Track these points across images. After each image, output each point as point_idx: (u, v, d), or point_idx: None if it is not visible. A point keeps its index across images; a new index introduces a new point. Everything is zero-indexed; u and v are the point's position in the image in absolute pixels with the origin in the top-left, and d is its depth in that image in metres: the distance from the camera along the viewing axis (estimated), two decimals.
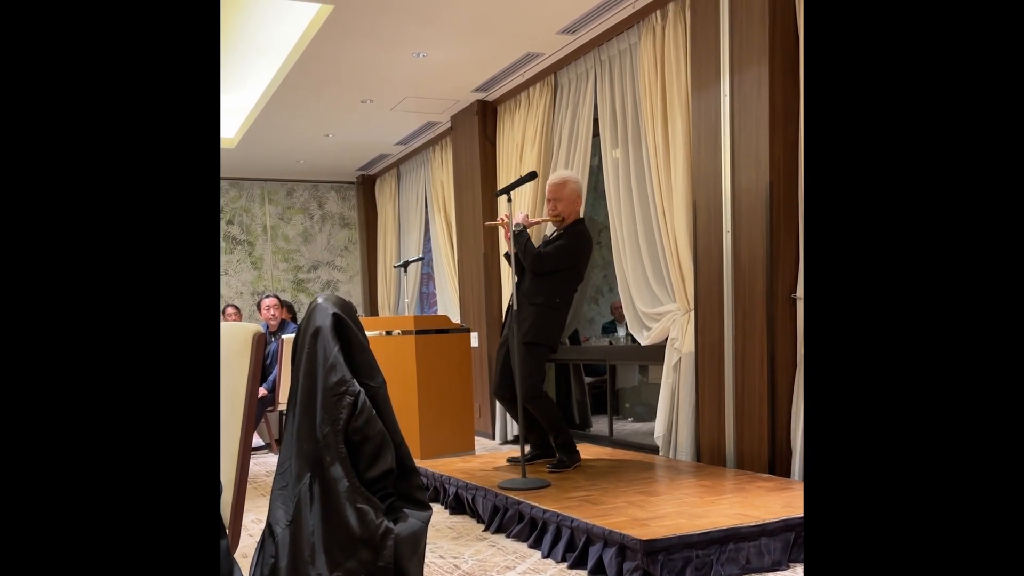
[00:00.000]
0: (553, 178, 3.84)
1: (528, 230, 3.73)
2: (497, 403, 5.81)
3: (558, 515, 2.87)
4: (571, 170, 4.37)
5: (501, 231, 3.82)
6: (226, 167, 7.76)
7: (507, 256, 3.90)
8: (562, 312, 3.80)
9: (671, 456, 4.15)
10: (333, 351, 1.67)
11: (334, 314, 1.71)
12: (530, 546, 3.01)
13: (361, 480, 1.67)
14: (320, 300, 1.75)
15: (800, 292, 3.45)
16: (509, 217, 3.70)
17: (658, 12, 4.15)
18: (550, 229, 4.03)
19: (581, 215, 3.91)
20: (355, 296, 8.87)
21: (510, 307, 3.77)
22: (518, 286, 3.71)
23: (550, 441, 4.01)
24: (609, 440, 5.10)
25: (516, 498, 3.17)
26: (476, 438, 5.38)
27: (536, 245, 3.77)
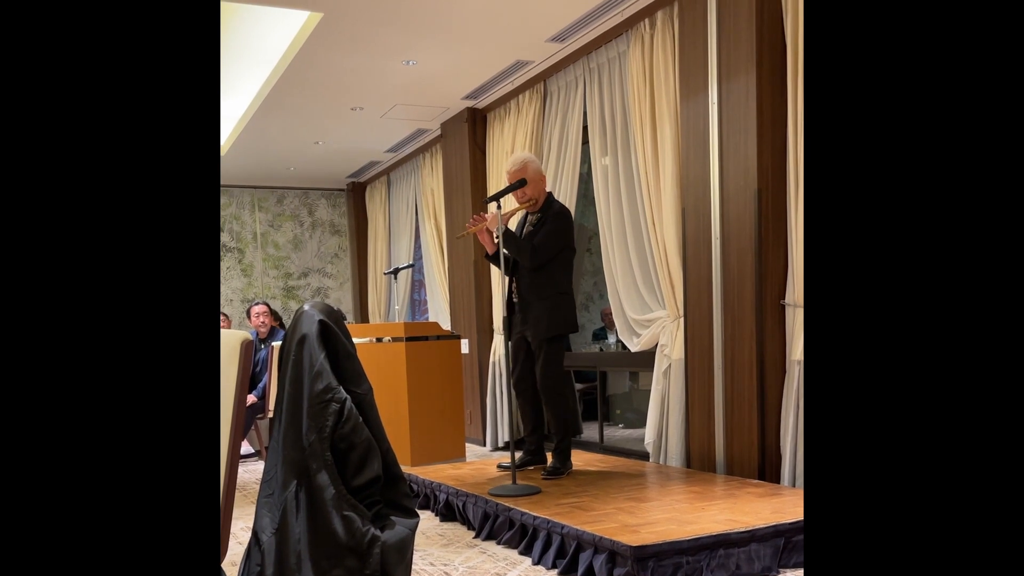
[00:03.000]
0: (511, 165, 3.74)
1: (508, 226, 3.64)
2: (490, 405, 5.81)
3: (548, 521, 2.86)
4: (529, 152, 4.19)
5: (479, 234, 3.75)
6: None
7: (488, 258, 3.85)
8: (570, 294, 3.76)
9: (661, 462, 4.15)
10: (319, 358, 1.67)
11: (320, 321, 1.71)
12: (520, 553, 3.00)
13: (348, 488, 1.67)
14: (306, 307, 1.75)
15: (789, 299, 3.46)
16: (479, 220, 3.66)
17: (647, 20, 4.17)
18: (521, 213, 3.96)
19: (547, 189, 3.85)
20: (345, 303, 8.85)
21: (513, 303, 3.75)
22: (518, 283, 3.69)
23: (543, 447, 4.01)
24: (600, 446, 5.10)
25: (507, 505, 3.16)
26: (467, 445, 5.37)
27: (520, 237, 3.71)
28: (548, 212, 3.71)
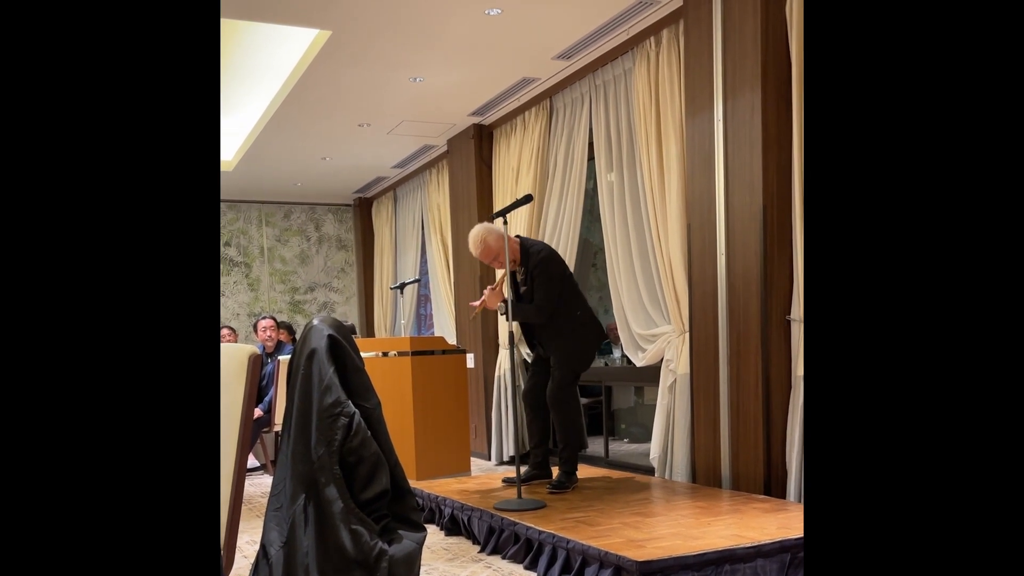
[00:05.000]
0: (472, 249, 3.74)
1: (505, 296, 3.69)
2: (495, 419, 5.81)
3: (554, 536, 2.86)
4: (476, 228, 4.04)
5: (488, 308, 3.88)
6: (224, 189, 7.80)
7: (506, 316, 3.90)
8: (586, 316, 3.81)
9: (667, 477, 4.15)
10: (328, 372, 1.69)
11: (329, 336, 1.73)
12: (526, 567, 3.00)
13: (356, 501, 1.68)
14: (316, 322, 1.76)
15: (794, 314, 3.47)
16: (484, 301, 3.78)
17: (652, 38, 4.21)
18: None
19: (518, 237, 3.85)
20: (351, 318, 8.87)
21: (529, 329, 3.81)
22: (534, 333, 3.77)
23: (548, 461, 4.02)
24: (605, 461, 5.10)
25: (512, 519, 3.16)
26: (472, 459, 5.37)
27: (516, 300, 3.77)
28: (530, 265, 3.74)
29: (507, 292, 3.66)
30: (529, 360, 3.79)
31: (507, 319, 3.72)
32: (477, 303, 3.86)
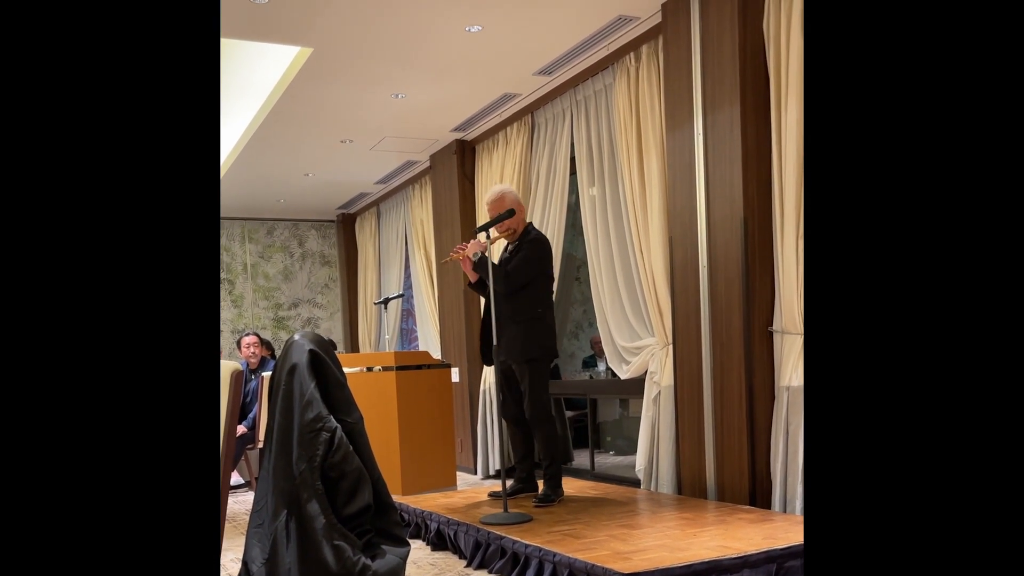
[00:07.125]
0: (489, 197, 3.88)
1: (487, 254, 3.75)
2: (480, 433, 5.79)
3: (540, 550, 2.86)
4: (505, 184, 4.24)
5: (462, 262, 3.86)
6: None
7: (471, 287, 3.96)
8: (548, 320, 3.82)
9: (652, 489, 4.15)
10: (309, 388, 1.68)
11: (311, 351, 1.73)
12: None
13: (338, 517, 1.67)
14: (297, 337, 1.76)
15: (776, 325, 3.49)
16: (463, 249, 3.76)
17: (632, 54, 4.25)
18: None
19: (527, 220, 3.94)
20: (336, 333, 8.84)
21: (487, 335, 3.78)
22: (495, 310, 3.73)
23: (534, 475, 4.01)
24: (591, 473, 5.09)
25: (498, 533, 3.15)
26: (458, 473, 5.34)
27: (497, 265, 3.79)
28: (524, 240, 3.81)
29: (478, 253, 3.72)
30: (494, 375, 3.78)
31: (470, 277, 3.76)
32: (455, 253, 3.86)
